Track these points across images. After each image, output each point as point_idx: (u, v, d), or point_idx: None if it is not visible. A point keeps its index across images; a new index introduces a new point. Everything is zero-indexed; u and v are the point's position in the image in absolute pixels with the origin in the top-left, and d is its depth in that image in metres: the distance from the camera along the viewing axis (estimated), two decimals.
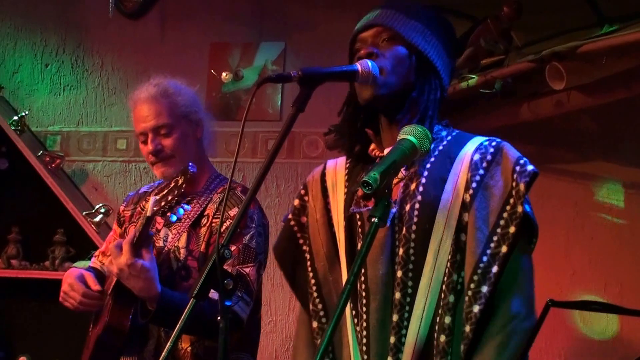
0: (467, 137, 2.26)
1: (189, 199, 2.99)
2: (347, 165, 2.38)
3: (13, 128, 4.81)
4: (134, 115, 3.05)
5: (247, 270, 2.86)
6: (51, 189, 4.72)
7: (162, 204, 2.78)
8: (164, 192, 2.81)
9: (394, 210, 2.16)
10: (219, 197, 2.97)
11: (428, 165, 2.19)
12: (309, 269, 2.37)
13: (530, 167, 2.11)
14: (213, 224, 2.91)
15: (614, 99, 3.40)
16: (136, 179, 4.93)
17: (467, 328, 2.07)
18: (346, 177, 2.35)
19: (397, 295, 2.15)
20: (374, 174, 1.89)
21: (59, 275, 4.62)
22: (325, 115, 4.38)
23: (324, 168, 2.44)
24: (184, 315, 1.90)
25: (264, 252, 2.96)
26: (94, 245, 4.63)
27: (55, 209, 4.75)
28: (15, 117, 4.84)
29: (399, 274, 2.15)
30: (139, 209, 3.12)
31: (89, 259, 4.39)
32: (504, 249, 2.06)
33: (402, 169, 2.19)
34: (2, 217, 4.99)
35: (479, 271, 2.07)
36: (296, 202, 2.45)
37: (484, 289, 2.06)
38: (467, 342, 2.07)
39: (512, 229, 2.07)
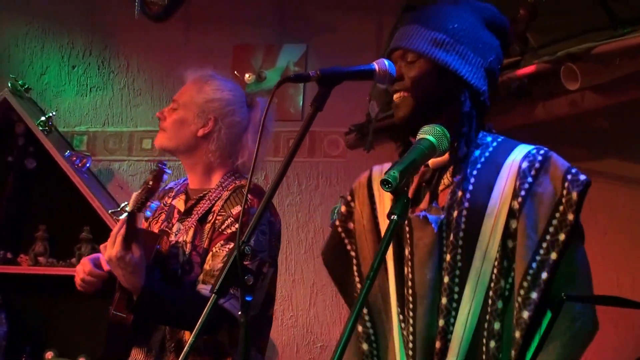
0: (513, 144, 2.27)
1: (200, 196, 3.02)
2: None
3: (41, 128, 4.86)
4: None
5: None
6: (78, 188, 4.76)
7: (137, 200, 2.85)
8: (140, 190, 2.88)
9: (442, 216, 2.19)
10: (227, 195, 2.97)
11: (475, 172, 2.21)
12: (356, 274, 2.39)
13: (583, 177, 2.13)
14: (216, 221, 2.92)
15: (628, 99, 3.41)
16: None
17: (517, 334, 2.09)
18: None
19: (444, 300, 2.16)
20: (394, 173, 1.91)
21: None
22: (345, 115, 4.44)
23: (370, 174, 2.45)
24: (205, 311, 1.92)
25: (268, 249, 2.93)
26: None
27: (81, 208, 4.79)
28: (43, 118, 4.88)
29: (446, 279, 2.17)
30: (161, 204, 3.15)
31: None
32: (553, 255, 2.08)
33: (448, 175, 2.23)
34: (30, 216, 5.06)
35: (529, 277, 2.08)
36: (343, 208, 2.47)
37: (534, 295, 2.07)
38: (517, 347, 2.08)
39: (562, 236, 2.08)
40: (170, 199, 3.12)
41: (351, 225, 2.43)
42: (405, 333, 2.24)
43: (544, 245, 2.10)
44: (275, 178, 2.00)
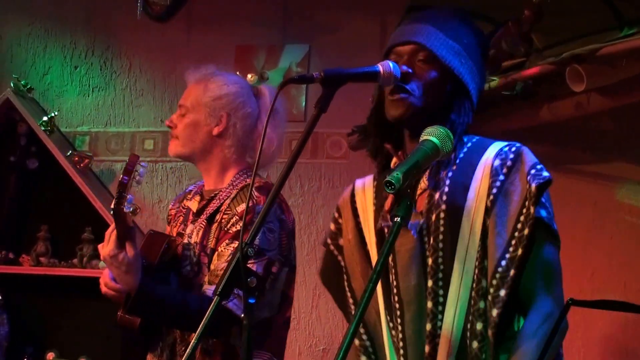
0: (487, 142, 2.26)
1: (212, 196, 3.01)
2: (375, 182, 2.39)
3: (43, 128, 4.86)
4: None
5: (249, 267, 2.86)
6: (80, 188, 4.76)
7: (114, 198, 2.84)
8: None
9: (420, 221, 2.19)
10: (235, 193, 2.96)
11: (450, 174, 2.20)
12: (347, 289, 2.40)
13: (545, 173, 2.12)
14: (222, 220, 2.91)
15: (634, 101, 3.39)
16: (163, 179, 4.97)
17: (490, 332, 2.09)
18: (374, 194, 2.36)
19: (429, 304, 2.16)
20: (397, 174, 1.91)
21: (87, 272, 4.71)
22: (348, 116, 4.42)
23: (353, 188, 2.45)
24: (207, 314, 1.92)
25: (277, 248, 2.89)
26: None
27: (83, 208, 4.79)
28: (45, 118, 4.89)
29: (430, 283, 2.16)
30: (181, 207, 3.14)
31: None
32: (519, 251, 2.06)
33: (424, 179, 2.22)
34: (32, 216, 5.06)
35: (497, 275, 2.08)
36: (332, 226, 2.46)
37: (502, 292, 2.06)
38: (490, 346, 2.08)
39: (526, 231, 2.07)
40: (188, 201, 3.11)
41: (341, 241, 2.43)
42: (395, 340, 2.24)
43: (513, 242, 2.09)
44: (280, 178, 2.00)
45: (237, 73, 4.67)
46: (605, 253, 3.71)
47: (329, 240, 2.46)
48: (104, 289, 2.93)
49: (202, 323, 1.92)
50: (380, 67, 2.16)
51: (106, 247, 2.78)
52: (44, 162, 5.00)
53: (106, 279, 2.93)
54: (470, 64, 2.25)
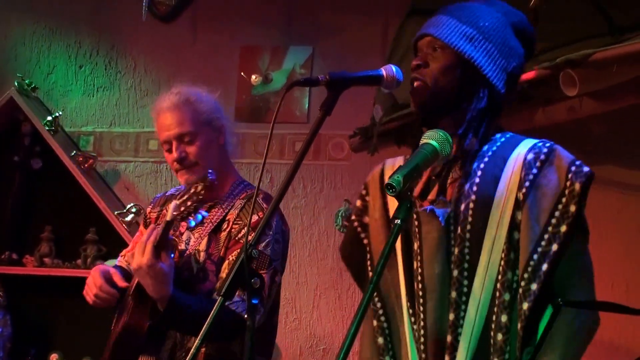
0: (519, 138, 2.28)
1: (211, 204, 3.02)
2: None
3: (47, 128, 4.86)
4: (157, 124, 3.07)
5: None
6: (84, 189, 4.77)
7: (182, 209, 2.82)
8: (184, 198, 2.85)
9: (448, 209, 2.21)
10: (241, 203, 2.99)
11: (482, 165, 2.22)
12: (369, 267, 2.41)
13: (586, 169, 2.14)
14: (232, 230, 2.93)
15: (626, 105, 3.41)
16: (167, 180, 4.97)
17: (519, 326, 2.10)
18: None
19: (453, 294, 2.17)
20: (398, 177, 1.93)
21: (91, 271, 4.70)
22: (350, 118, 4.43)
23: (383, 167, 2.46)
24: (210, 315, 1.93)
25: (281, 258, 2.97)
26: (125, 244, 4.66)
27: (87, 209, 4.80)
28: (49, 118, 4.89)
29: (455, 273, 2.18)
30: (164, 211, 3.14)
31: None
32: (554, 247, 2.09)
33: (456, 169, 2.24)
34: (36, 216, 5.05)
35: (529, 269, 2.09)
36: (358, 202, 2.48)
37: (533, 286, 2.08)
38: (519, 339, 2.09)
39: (563, 228, 2.09)
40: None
41: (366, 219, 2.44)
42: (415, 327, 2.25)
43: (546, 236, 2.11)
44: (282, 184, 2.01)
45: (242, 74, 4.74)
46: (596, 255, 3.68)
47: (353, 217, 2.47)
48: (95, 291, 2.93)
49: (206, 324, 1.94)
50: (383, 71, 2.18)
51: (143, 257, 2.76)
52: (48, 162, 5.00)
53: (100, 282, 2.94)
54: (487, 46, 2.26)
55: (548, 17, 3.16)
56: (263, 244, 2.90)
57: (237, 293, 2.76)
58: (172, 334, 2.94)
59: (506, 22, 2.32)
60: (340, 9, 4.85)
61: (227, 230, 2.94)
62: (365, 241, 2.43)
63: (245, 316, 1.97)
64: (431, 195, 2.26)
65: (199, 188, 2.84)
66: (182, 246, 3.00)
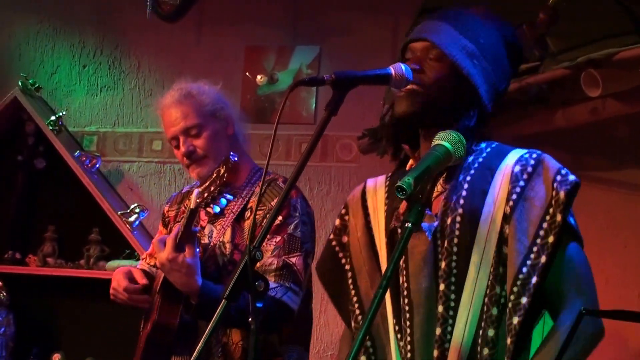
0: (507, 149, 2.24)
1: (231, 193, 2.99)
2: (387, 182, 2.37)
3: (51, 128, 4.85)
4: (163, 122, 3.07)
5: (294, 260, 2.86)
6: (87, 189, 4.75)
7: (205, 195, 2.78)
8: (207, 184, 2.81)
9: (435, 223, 2.16)
10: (262, 189, 2.95)
11: (469, 178, 2.17)
12: (351, 286, 2.36)
13: (571, 177, 2.09)
14: (257, 217, 2.90)
15: None
16: (171, 180, 4.96)
17: (509, 340, 2.05)
18: (386, 194, 2.34)
19: (440, 308, 2.13)
20: (408, 179, 1.89)
21: (94, 273, 4.70)
22: (358, 119, 4.40)
23: (364, 187, 2.43)
24: (215, 316, 1.91)
25: (311, 240, 2.96)
26: (129, 245, 4.66)
27: (90, 209, 4.78)
28: (53, 117, 4.87)
29: (442, 287, 2.13)
30: (182, 208, 3.13)
31: (133, 259, 4.43)
32: (543, 259, 2.03)
33: (441, 182, 2.20)
34: (39, 216, 5.05)
35: (519, 282, 2.04)
36: (337, 221, 2.44)
37: (524, 300, 2.03)
38: (509, 355, 2.05)
39: (551, 239, 2.04)
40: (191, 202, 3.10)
41: (345, 238, 2.41)
42: (402, 344, 2.21)
43: (535, 249, 2.05)
44: (290, 181, 2.00)
45: (247, 74, 4.71)
46: (619, 261, 3.66)
47: (331, 236, 2.44)
48: (124, 295, 2.92)
49: (212, 321, 1.92)
50: (392, 70, 2.13)
51: (163, 252, 2.74)
52: (52, 161, 4.99)
53: (125, 283, 2.91)
54: (484, 64, 2.22)
55: (568, 15, 3.12)
56: (292, 226, 2.90)
57: (272, 279, 2.76)
58: (203, 331, 2.91)
59: (499, 37, 2.28)
60: (348, 7, 4.83)
61: (251, 217, 2.91)
62: (344, 260, 2.39)
63: (250, 319, 1.92)
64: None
65: (222, 171, 2.80)
66: (205, 240, 2.96)
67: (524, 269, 2.04)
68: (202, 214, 3.02)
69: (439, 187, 2.21)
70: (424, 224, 2.16)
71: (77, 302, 4.90)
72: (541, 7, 3.37)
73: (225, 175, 2.80)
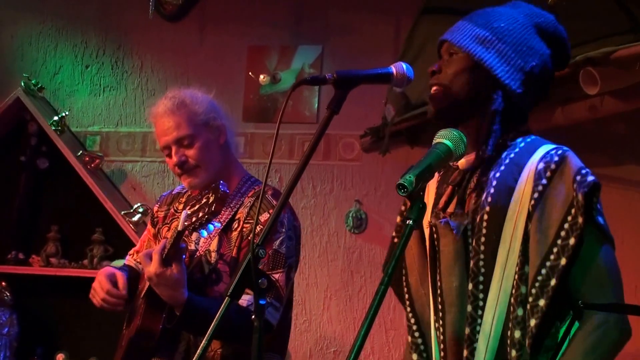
0: (539, 144, 2.21)
1: (219, 220, 2.98)
2: (439, 178, 2.35)
3: (53, 128, 4.86)
4: (155, 130, 3.06)
5: (277, 276, 2.87)
6: (90, 189, 4.76)
7: (193, 219, 2.78)
8: (195, 208, 2.80)
9: (465, 222, 2.17)
10: (250, 201, 2.97)
11: (497, 175, 2.16)
12: (404, 284, 2.38)
13: (590, 178, 2.07)
14: (244, 229, 2.91)
15: None
16: (174, 180, 4.94)
17: (527, 342, 2.05)
18: (436, 189, 2.34)
19: (469, 308, 2.13)
20: (410, 177, 1.89)
21: (97, 273, 4.69)
22: (361, 118, 4.41)
23: None
24: (217, 316, 1.91)
25: (295, 255, 2.97)
26: (132, 244, 4.66)
27: (94, 209, 4.79)
28: (56, 118, 4.89)
29: (470, 286, 2.13)
30: (172, 210, 3.13)
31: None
32: (562, 261, 2.02)
33: (475, 177, 2.20)
34: (42, 216, 5.05)
35: (537, 284, 2.04)
36: (398, 219, 2.45)
37: (541, 302, 2.02)
38: (526, 357, 2.04)
39: (572, 241, 2.02)
40: (182, 205, 3.10)
41: None
42: (439, 341, 2.23)
43: (555, 250, 2.04)
44: (290, 182, 1.98)
45: (250, 74, 4.72)
46: (616, 257, 3.66)
47: (394, 234, 2.45)
48: (102, 295, 2.93)
49: (212, 324, 1.92)
50: (393, 69, 2.14)
51: (150, 267, 2.75)
52: (55, 162, 5.00)
53: (108, 286, 2.93)
54: (500, 46, 2.21)
55: (567, 14, 3.12)
56: (277, 242, 2.89)
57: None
58: (185, 335, 2.93)
59: (527, 22, 2.27)
60: (350, 7, 4.83)
61: (239, 229, 2.93)
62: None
63: (253, 317, 1.92)
64: (451, 207, 2.23)
65: (211, 199, 2.78)
66: (192, 246, 2.97)
67: (543, 271, 2.04)
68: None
69: (471, 184, 2.21)
70: (452, 222, 2.18)
71: (80, 302, 4.84)
72: (540, 6, 3.37)
73: (214, 205, 2.78)
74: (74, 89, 5.19)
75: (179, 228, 2.74)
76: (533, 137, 2.25)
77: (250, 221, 2.91)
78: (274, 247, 2.88)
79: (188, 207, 2.85)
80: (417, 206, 1.88)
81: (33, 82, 5.00)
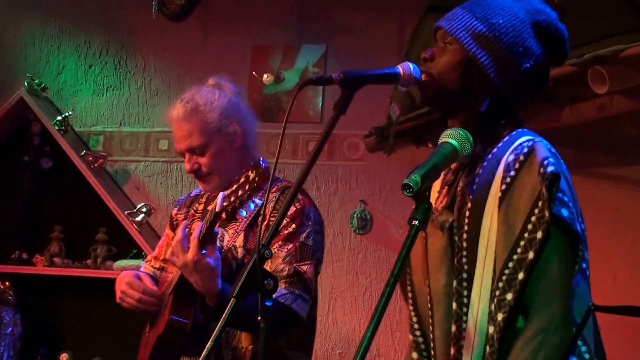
0: (518, 136, 2.16)
1: (241, 199, 2.97)
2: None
3: (57, 128, 4.86)
4: (173, 133, 3.05)
5: (305, 267, 2.85)
6: (94, 189, 4.76)
7: (232, 199, 2.74)
8: (234, 188, 2.76)
9: (450, 219, 2.14)
10: (275, 196, 2.95)
11: (481, 171, 2.13)
12: (408, 283, 2.34)
13: (550, 168, 2.01)
14: (270, 223, 2.87)
15: None
16: (177, 179, 4.96)
17: (495, 336, 2.01)
18: (440, 186, 2.30)
19: (454, 305, 2.10)
20: (415, 177, 1.86)
21: (101, 273, 4.70)
22: (366, 118, 4.40)
23: None
24: (224, 315, 1.90)
25: (321, 249, 2.96)
26: (135, 244, 4.67)
27: (97, 208, 4.79)
28: (59, 117, 4.89)
29: (454, 283, 2.11)
30: (192, 211, 3.12)
31: (141, 259, 4.41)
32: (530, 255, 1.98)
33: (462, 176, 2.17)
34: (46, 216, 5.05)
35: (504, 277, 2.00)
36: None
37: (508, 296, 1.99)
38: (493, 350, 2.00)
39: (539, 234, 1.98)
40: (202, 205, 3.09)
41: None
42: (432, 340, 2.21)
43: (522, 243, 2.00)
44: (297, 181, 1.97)
45: (254, 73, 4.70)
46: (627, 258, 3.66)
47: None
48: (139, 296, 2.91)
49: (221, 320, 1.91)
50: (400, 69, 2.12)
51: (188, 253, 2.71)
52: (58, 161, 5.00)
53: (143, 285, 2.92)
54: (496, 44, 2.16)
55: (574, 12, 3.09)
56: (304, 235, 2.88)
57: (282, 285, 2.76)
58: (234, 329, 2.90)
59: (527, 19, 2.22)
60: (354, 5, 4.82)
61: (266, 224, 2.89)
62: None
63: (259, 318, 1.91)
64: (440, 206, 2.20)
65: (252, 175, 2.74)
66: (217, 243, 2.95)
67: (510, 264, 2.00)
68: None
69: (461, 183, 2.17)
70: (437, 220, 2.15)
71: (84, 302, 4.91)
72: (548, 3, 3.35)
73: (256, 179, 2.75)
74: (77, 88, 5.19)
75: (217, 209, 2.70)
76: (519, 130, 2.20)
77: (276, 214, 2.86)
78: (301, 240, 2.87)
79: (224, 189, 2.81)
80: (423, 206, 1.85)
81: (36, 82, 5.00)
